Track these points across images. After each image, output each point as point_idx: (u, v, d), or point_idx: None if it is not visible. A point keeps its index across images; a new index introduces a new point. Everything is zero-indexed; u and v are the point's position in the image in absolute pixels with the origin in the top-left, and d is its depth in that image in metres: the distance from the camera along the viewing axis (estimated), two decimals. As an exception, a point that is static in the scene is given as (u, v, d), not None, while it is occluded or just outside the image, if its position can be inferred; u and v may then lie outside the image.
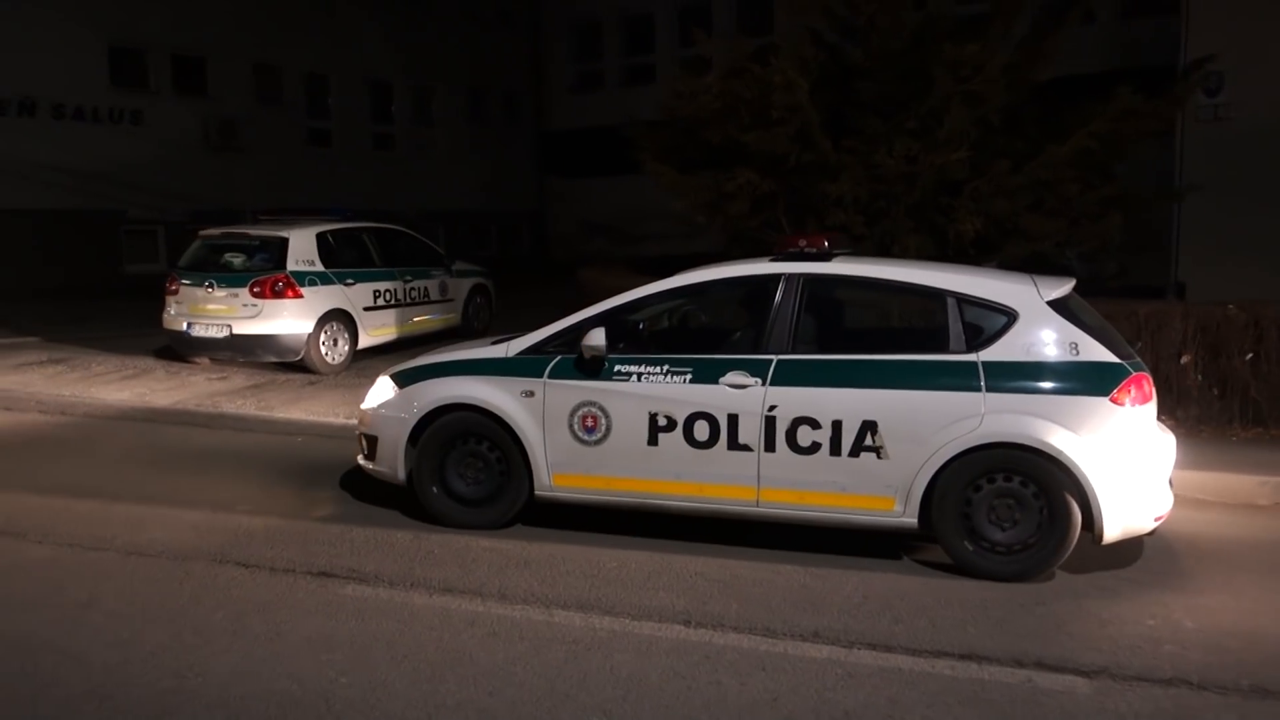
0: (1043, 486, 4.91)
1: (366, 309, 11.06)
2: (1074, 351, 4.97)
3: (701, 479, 5.34)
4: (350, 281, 10.88)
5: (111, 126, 21.58)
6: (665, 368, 5.40)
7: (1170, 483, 5.29)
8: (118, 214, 21.63)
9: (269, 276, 10.19)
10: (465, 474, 5.77)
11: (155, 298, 11.13)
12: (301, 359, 10.36)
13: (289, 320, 10.22)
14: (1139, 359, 5.23)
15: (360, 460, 6.18)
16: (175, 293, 10.61)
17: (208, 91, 23.52)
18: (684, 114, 9.90)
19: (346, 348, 10.79)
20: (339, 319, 10.69)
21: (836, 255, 5.62)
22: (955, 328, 5.14)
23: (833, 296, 5.76)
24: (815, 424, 5.12)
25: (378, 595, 4.75)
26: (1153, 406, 5.14)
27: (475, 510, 5.76)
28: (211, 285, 10.36)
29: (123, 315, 14.85)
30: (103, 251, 21.31)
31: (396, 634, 4.31)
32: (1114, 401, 4.88)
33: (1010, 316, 5.07)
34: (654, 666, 4.02)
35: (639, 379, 5.40)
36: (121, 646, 4.20)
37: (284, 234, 10.53)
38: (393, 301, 11.49)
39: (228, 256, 10.66)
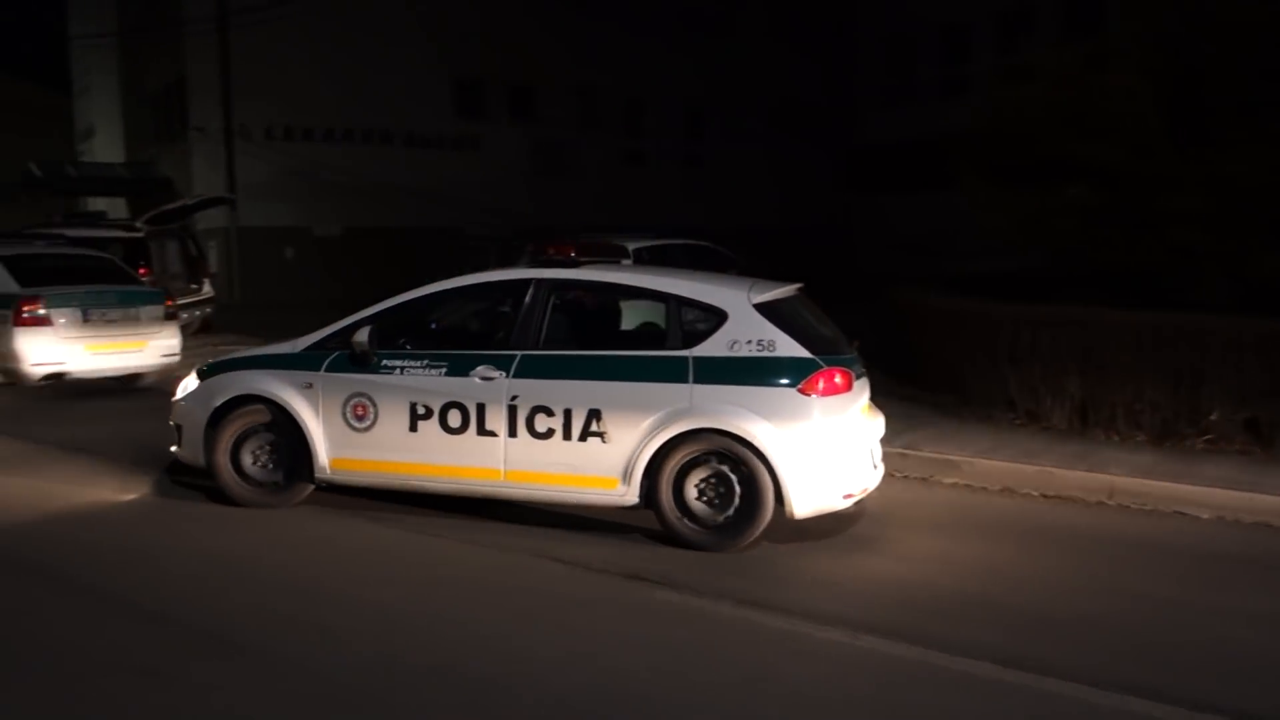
0: (739, 468, 5.52)
1: (675, 323, 11.43)
2: (770, 348, 5.56)
3: (455, 462, 5.98)
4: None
5: (454, 152, 23.87)
6: (425, 362, 6.05)
7: (876, 462, 5.95)
8: (456, 231, 23.84)
9: (587, 290, 10.80)
10: (258, 459, 6.37)
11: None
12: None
13: (604, 332, 10.77)
14: (849, 356, 5.88)
15: (172, 448, 6.70)
16: (505, 304, 11.50)
17: (536, 117, 25.38)
18: (1006, 126, 9.43)
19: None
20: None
21: (584, 263, 6.46)
22: (674, 327, 5.82)
23: (576, 299, 6.39)
24: (550, 412, 5.77)
25: (687, 603, 4.89)
26: (849, 397, 5.67)
27: (267, 492, 6.35)
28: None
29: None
30: (443, 266, 23.50)
31: (706, 643, 4.42)
32: (802, 392, 5.46)
33: (721, 317, 5.71)
34: (967, 708, 3.85)
35: (402, 372, 6.06)
36: (460, 625, 4.61)
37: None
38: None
39: (552, 271, 11.40)
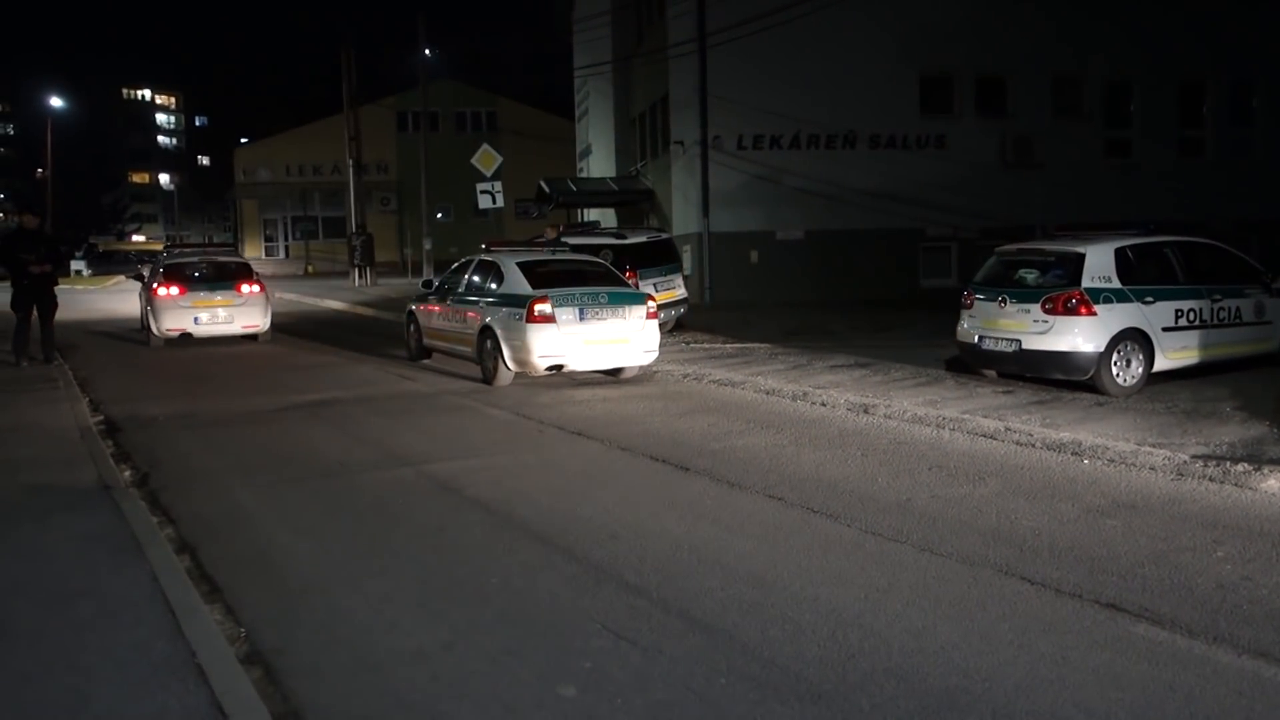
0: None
1: (1165, 329, 10.26)
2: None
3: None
4: (1149, 300, 10.20)
5: (917, 152, 23.47)
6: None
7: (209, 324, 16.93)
8: (916, 232, 23.43)
9: (1062, 293, 10.05)
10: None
11: (947, 311, 11.77)
12: (1090, 378, 10.03)
13: (1080, 338, 9.96)
14: (209, 293, 16.64)
15: None
16: (970, 306, 11.07)
17: (1006, 110, 24.16)
18: None
19: (1140, 370, 10.15)
20: (1134, 339, 10.10)
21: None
22: None
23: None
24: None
25: (1174, 642, 4.38)
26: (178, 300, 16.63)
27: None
28: (1004, 300, 10.58)
29: (918, 327, 16.04)
30: (902, 267, 23.27)
31: (1196, 690, 3.92)
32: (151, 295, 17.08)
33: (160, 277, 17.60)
34: None
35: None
36: (916, 635, 4.52)
37: (1080, 250, 10.28)
38: (1196, 322, 10.48)
39: (1021, 272, 10.78)
